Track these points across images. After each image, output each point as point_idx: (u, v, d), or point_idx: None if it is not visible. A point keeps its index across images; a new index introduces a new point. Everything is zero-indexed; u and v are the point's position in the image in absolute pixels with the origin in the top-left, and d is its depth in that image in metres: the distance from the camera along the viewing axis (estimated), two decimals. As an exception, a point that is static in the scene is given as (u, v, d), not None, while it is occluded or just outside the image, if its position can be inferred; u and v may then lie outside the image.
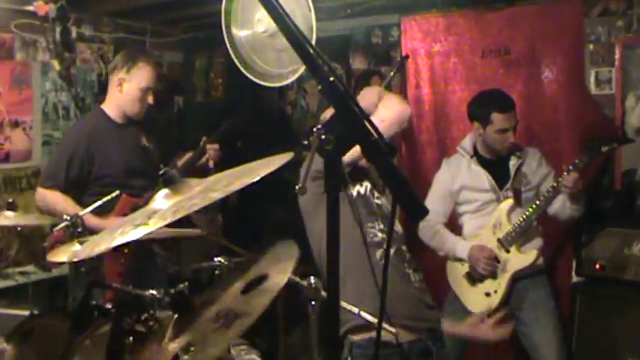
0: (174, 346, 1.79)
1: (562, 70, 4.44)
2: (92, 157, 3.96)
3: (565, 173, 3.67)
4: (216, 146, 4.16)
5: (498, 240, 3.83)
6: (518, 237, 3.80)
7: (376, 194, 2.83)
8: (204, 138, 4.17)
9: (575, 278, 4.24)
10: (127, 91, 3.98)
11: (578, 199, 3.75)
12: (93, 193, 3.94)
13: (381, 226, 2.72)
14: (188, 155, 4.22)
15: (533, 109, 4.49)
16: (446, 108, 4.80)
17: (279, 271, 1.78)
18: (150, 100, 4.01)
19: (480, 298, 3.87)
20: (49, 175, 4.02)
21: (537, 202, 3.77)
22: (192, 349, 1.71)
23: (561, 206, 3.81)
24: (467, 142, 4.02)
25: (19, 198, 4.24)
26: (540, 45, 4.50)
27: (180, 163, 4.23)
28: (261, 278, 1.80)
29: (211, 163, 4.15)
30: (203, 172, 4.03)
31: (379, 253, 2.67)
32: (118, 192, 3.72)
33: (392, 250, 2.69)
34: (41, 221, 2.91)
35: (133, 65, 3.96)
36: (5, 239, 4.51)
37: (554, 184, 3.73)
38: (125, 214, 3.85)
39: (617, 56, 4.48)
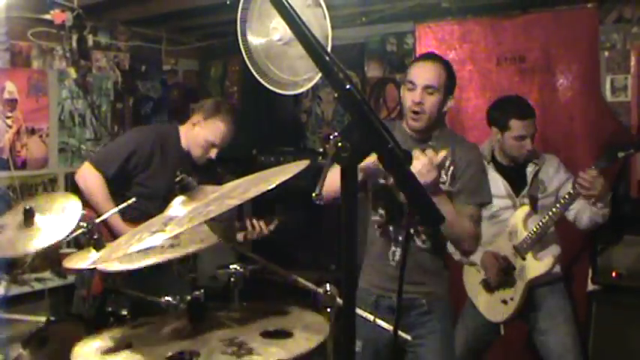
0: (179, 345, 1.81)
1: (577, 77, 4.43)
2: (149, 162, 3.98)
3: (580, 174, 3.62)
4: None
5: (514, 247, 3.81)
6: (535, 244, 3.77)
7: None
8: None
9: (591, 286, 4.21)
10: (197, 133, 4.06)
11: (601, 203, 3.71)
12: (128, 195, 3.92)
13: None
14: None
15: (549, 117, 4.47)
16: (461, 115, 4.79)
17: (306, 338, 1.81)
18: (212, 154, 4.07)
19: (496, 306, 3.85)
20: (103, 160, 3.97)
21: (554, 209, 3.74)
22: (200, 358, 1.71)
23: (580, 213, 3.79)
24: (485, 148, 4.00)
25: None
26: (555, 52, 4.50)
27: None
28: (286, 333, 1.83)
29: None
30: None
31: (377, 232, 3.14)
32: (134, 199, 3.73)
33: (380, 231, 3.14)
34: (59, 237, 2.93)
35: (211, 116, 4.04)
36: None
37: (571, 191, 3.69)
38: None
39: (632, 63, 4.45)
